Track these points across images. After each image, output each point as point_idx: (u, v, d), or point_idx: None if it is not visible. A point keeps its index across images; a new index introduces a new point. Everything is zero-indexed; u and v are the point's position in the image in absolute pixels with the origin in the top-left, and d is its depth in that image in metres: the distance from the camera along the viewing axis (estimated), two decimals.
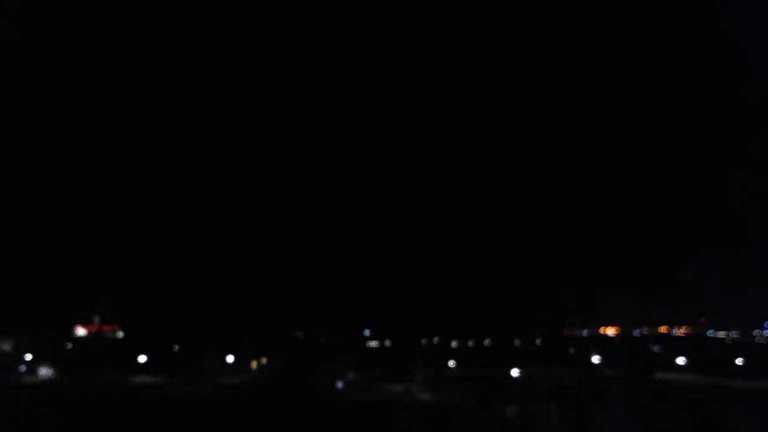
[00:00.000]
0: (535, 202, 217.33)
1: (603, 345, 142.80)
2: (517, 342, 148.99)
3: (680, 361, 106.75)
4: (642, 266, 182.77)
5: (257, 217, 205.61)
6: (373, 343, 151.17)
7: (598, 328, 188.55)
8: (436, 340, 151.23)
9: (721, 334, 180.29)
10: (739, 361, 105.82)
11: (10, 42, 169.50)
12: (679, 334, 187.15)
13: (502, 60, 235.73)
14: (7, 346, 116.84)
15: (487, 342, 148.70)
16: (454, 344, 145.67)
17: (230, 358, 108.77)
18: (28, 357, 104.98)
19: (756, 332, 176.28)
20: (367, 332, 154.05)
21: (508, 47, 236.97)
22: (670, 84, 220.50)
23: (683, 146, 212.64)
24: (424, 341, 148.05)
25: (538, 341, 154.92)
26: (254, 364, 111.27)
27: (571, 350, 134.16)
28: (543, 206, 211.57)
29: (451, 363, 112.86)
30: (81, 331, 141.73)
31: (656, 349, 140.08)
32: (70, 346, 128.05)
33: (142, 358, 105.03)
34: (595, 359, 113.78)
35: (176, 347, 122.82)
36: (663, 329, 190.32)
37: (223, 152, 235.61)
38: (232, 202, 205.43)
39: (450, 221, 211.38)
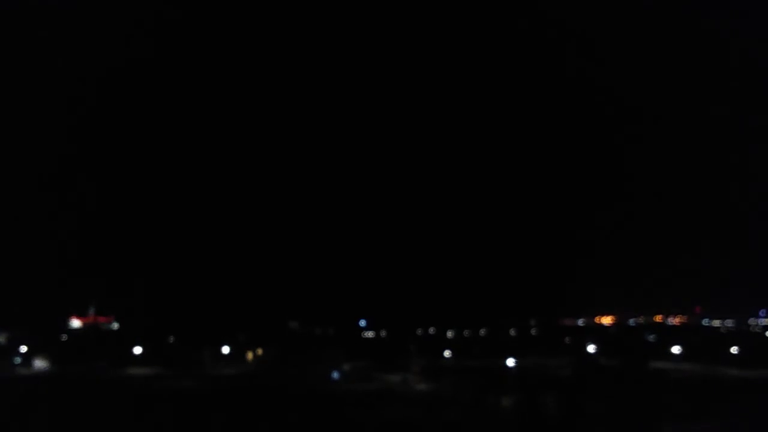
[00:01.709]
0: (530, 193, 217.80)
1: (598, 334, 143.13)
2: (512, 332, 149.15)
3: (675, 350, 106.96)
4: (640, 256, 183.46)
5: (252, 210, 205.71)
6: (369, 334, 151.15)
7: (594, 317, 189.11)
8: (431, 330, 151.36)
9: (716, 322, 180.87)
10: (734, 349, 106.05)
11: (10, 42, 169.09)
12: (674, 323, 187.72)
13: (500, 60, 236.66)
14: (2, 338, 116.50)
15: (482, 332, 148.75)
16: (449, 334, 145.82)
17: (226, 350, 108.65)
18: (23, 349, 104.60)
19: (751, 321, 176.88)
20: (362, 323, 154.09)
21: (507, 48, 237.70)
22: (670, 82, 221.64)
23: (683, 140, 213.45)
24: (420, 331, 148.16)
25: (533, 331, 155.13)
26: (250, 356, 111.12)
27: (567, 340, 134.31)
28: (538, 197, 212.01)
29: (447, 353, 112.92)
30: (76, 323, 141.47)
31: (651, 338, 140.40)
32: (65, 337, 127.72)
33: (138, 350, 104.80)
34: (591, 348, 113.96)
35: (172, 338, 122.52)
36: (658, 318, 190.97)
37: (218, 145, 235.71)
38: (226, 196, 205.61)
39: (446, 213, 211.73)
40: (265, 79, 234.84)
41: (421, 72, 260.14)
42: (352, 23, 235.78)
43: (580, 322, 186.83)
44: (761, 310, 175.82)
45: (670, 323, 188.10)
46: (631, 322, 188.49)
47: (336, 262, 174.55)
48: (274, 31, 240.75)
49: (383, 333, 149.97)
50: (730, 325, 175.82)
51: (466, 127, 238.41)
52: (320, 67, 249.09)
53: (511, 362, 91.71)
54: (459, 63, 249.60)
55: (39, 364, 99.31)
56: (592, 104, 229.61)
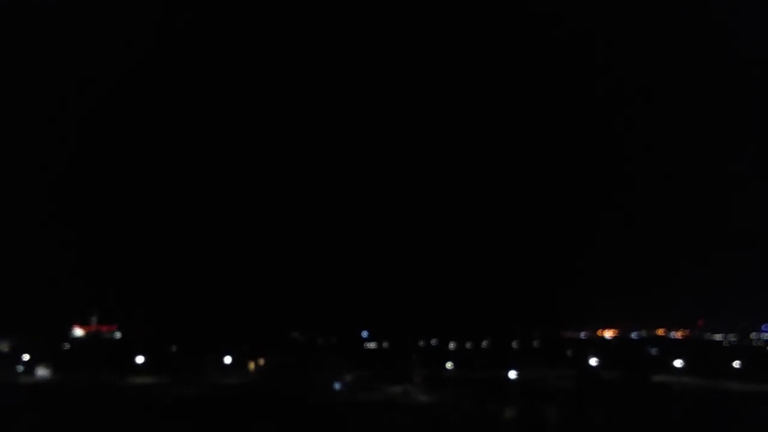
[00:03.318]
0: (533, 204, 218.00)
1: (600, 347, 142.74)
2: (514, 344, 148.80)
3: (678, 363, 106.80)
4: (642, 269, 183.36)
5: (255, 219, 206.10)
6: (371, 345, 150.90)
7: (596, 330, 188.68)
8: (434, 341, 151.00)
9: (719, 336, 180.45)
10: (736, 363, 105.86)
11: (10, 42, 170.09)
12: (676, 337, 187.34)
13: (497, 51, 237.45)
14: (4, 347, 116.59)
15: (485, 344, 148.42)
16: (452, 346, 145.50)
17: (228, 359, 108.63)
18: (26, 357, 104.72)
19: (753, 335, 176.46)
20: (365, 333, 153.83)
21: (505, 37, 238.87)
22: (667, 82, 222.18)
23: (685, 151, 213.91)
24: (422, 343, 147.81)
25: (535, 343, 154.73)
26: (252, 365, 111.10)
27: (569, 352, 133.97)
28: (541, 209, 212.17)
29: (449, 364, 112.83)
30: (79, 332, 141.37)
31: (654, 351, 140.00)
32: (67, 346, 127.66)
33: (140, 359, 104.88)
34: (593, 361, 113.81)
35: (174, 348, 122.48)
36: (661, 332, 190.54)
37: (221, 154, 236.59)
38: (230, 205, 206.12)
39: (449, 224, 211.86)
40: (266, 88, 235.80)
41: (420, 73, 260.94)
42: (352, 22, 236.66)
43: (582, 335, 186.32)
44: (764, 325, 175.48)
45: (672, 337, 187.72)
46: (634, 335, 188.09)
47: (338, 272, 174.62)
48: (274, 31, 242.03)
49: (385, 344, 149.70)
50: (732, 339, 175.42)
51: (469, 132, 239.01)
52: (320, 70, 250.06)
53: (513, 374, 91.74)
54: (457, 58, 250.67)
55: (41, 372, 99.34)
56: (593, 103, 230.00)
